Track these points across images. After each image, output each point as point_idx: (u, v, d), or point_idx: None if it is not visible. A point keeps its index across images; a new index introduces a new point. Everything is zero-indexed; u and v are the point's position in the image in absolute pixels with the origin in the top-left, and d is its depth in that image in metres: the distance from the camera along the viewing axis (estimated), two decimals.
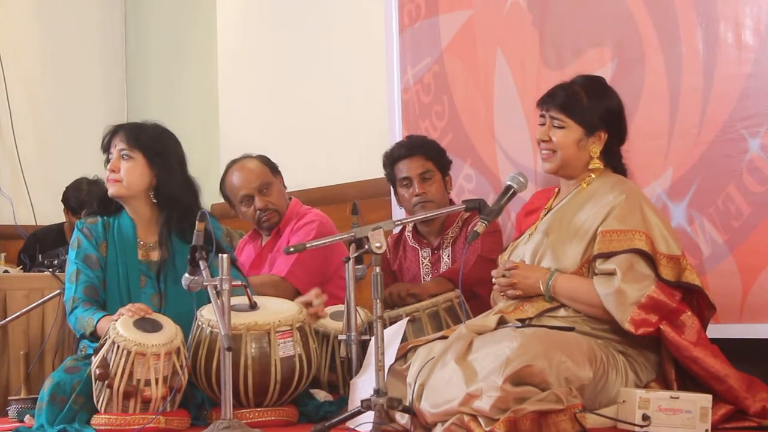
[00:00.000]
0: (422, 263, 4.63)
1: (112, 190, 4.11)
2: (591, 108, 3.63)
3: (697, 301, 3.53)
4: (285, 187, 4.96)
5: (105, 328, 3.82)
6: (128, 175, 4.09)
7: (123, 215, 4.15)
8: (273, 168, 4.91)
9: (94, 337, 3.90)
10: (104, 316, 3.91)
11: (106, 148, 4.17)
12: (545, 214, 3.73)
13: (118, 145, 4.12)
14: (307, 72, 6.53)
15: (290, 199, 4.95)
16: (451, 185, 4.71)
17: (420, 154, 4.59)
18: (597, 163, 3.65)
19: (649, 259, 3.45)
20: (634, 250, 3.44)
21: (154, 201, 4.12)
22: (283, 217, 4.85)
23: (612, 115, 3.66)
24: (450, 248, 4.57)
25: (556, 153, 3.65)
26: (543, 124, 3.68)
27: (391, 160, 4.64)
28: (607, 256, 3.46)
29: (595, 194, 3.60)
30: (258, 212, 4.82)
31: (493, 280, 3.67)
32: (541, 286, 3.54)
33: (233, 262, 3.96)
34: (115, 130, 4.16)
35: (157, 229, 4.14)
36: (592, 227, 3.54)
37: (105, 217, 4.15)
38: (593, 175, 3.66)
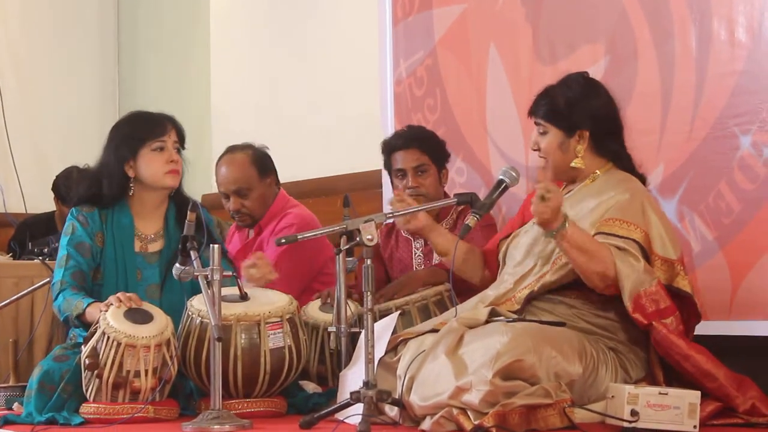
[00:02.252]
0: (415, 254, 4.61)
1: (174, 182, 4.09)
2: (569, 110, 3.63)
3: (686, 308, 3.54)
4: (277, 183, 4.88)
5: (93, 314, 3.82)
6: (181, 169, 4.12)
7: (122, 207, 4.12)
8: (262, 169, 4.78)
9: (80, 320, 3.90)
10: (94, 302, 3.90)
11: (156, 135, 4.08)
12: None
13: (173, 137, 4.11)
14: (299, 64, 6.52)
15: (278, 188, 4.90)
16: (447, 178, 4.69)
17: (416, 146, 4.56)
18: (580, 162, 3.65)
19: (645, 255, 3.46)
20: (632, 239, 3.45)
21: (172, 195, 4.14)
22: (266, 213, 4.78)
23: (593, 112, 3.65)
24: None
25: (547, 160, 3.67)
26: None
27: (388, 148, 4.63)
28: (607, 235, 3.46)
29: (599, 190, 3.61)
30: (231, 211, 4.82)
31: (537, 186, 3.46)
32: (561, 217, 3.37)
33: (224, 253, 3.96)
34: (169, 121, 4.14)
35: (156, 220, 4.14)
36: (589, 220, 3.53)
37: (100, 209, 4.11)
38: (598, 172, 3.67)
